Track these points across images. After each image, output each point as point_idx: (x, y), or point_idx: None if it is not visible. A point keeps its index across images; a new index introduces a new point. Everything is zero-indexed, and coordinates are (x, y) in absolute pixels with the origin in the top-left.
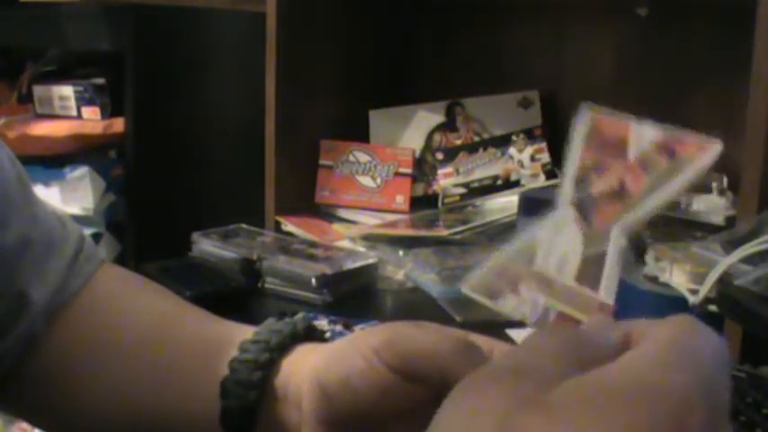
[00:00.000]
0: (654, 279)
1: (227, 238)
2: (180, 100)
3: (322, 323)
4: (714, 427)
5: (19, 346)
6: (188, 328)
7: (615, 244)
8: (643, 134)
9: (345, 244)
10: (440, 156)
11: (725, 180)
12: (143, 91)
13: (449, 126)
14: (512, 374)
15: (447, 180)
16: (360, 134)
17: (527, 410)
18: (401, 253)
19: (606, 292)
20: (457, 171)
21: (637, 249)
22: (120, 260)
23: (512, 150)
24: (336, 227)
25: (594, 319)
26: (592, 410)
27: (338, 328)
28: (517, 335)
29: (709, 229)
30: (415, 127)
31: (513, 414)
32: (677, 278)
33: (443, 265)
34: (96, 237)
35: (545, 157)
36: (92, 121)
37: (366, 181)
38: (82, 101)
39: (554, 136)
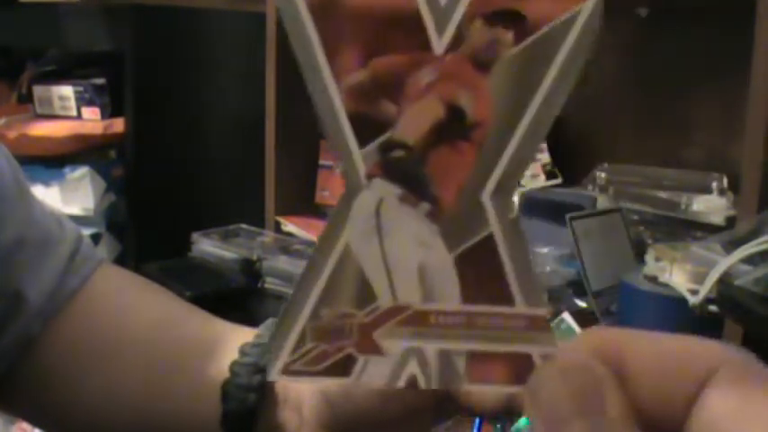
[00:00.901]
0: (654, 279)
1: (227, 238)
2: (180, 100)
3: None
4: None
5: (15, 345)
6: (188, 329)
7: (498, 221)
8: None
9: None
10: None
11: (725, 180)
12: (143, 91)
13: None
14: None
15: None
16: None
17: None
18: None
19: (524, 297)
20: None
21: (637, 249)
22: (121, 260)
23: None
24: None
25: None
26: None
27: None
28: None
29: (709, 230)
30: None
31: None
32: (677, 278)
33: None
34: (96, 237)
35: (545, 156)
36: (92, 121)
37: None
38: (82, 101)
39: (554, 136)
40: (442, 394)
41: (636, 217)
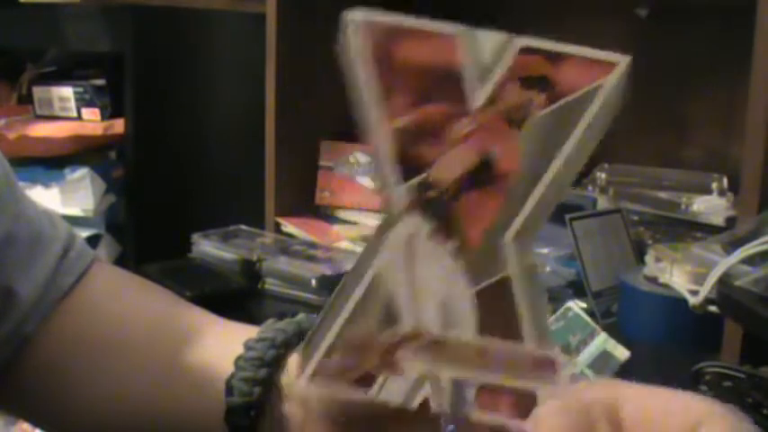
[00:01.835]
0: (654, 280)
1: (227, 239)
2: (180, 101)
3: None
4: None
5: (8, 342)
6: (188, 326)
7: (517, 264)
8: (481, 48)
9: (345, 245)
10: None
11: (725, 180)
12: (143, 91)
13: None
14: None
15: None
16: (360, 135)
17: None
18: None
19: (535, 338)
20: None
21: (637, 250)
22: (121, 261)
23: None
24: (336, 228)
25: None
26: None
27: None
28: None
29: (709, 230)
30: None
31: None
32: (677, 279)
33: None
34: (96, 238)
35: None
36: (92, 122)
37: (366, 182)
38: (82, 102)
39: None
40: None
41: (636, 217)
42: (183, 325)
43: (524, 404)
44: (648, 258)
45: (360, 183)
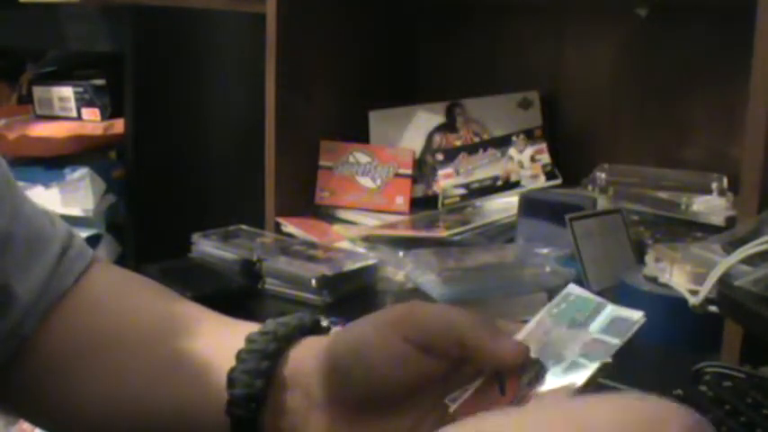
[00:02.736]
0: (654, 280)
1: (227, 239)
2: (180, 100)
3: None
4: None
5: (6, 341)
6: (189, 323)
7: None
8: None
9: (345, 245)
10: (440, 156)
11: (725, 180)
12: (143, 91)
13: (449, 127)
14: None
15: (447, 181)
16: (360, 135)
17: None
18: (401, 254)
19: None
20: (457, 172)
21: (637, 250)
22: (121, 261)
23: (512, 151)
24: (336, 228)
25: None
26: None
27: (338, 329)
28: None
29: (709, 230)
30: (415, 127)
31: None
32: (677, 279)
33: (443, 266)
34: (96, 238)
35: (545, 157)
36: (92, 122)
37: (366, 182)
38: (82, 102)
39: (554, 136)
40: (459, 354)
41: (636, 217)
42: (182, 321)
43: None
44: (648, 258)
45: (360, 183)
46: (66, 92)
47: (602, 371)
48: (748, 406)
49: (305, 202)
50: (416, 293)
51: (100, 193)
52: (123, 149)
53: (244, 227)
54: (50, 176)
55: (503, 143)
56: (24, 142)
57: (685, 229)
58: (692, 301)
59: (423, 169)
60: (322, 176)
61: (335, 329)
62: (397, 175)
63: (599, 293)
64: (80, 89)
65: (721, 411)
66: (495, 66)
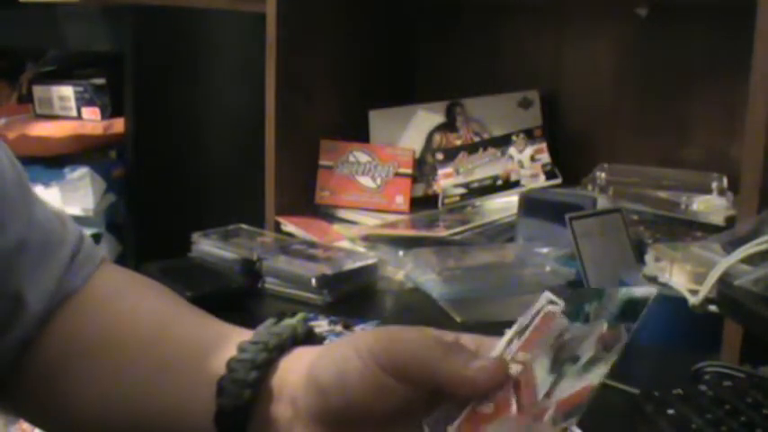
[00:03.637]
0: (654, 279)
1: (227, 238)
2: (180, 100)
3: (322, 324)
4: None
5: (16, 347)
6: (186, 328)
7: None
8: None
9: (345, 244)
10: (440, 156)
11: (725, 180)
12: (143, 91)
13: (449, 126)
14: None
15: (447, 180)
16: (360, 134)
17: None
18: (401, 253)
19: None
20: (457, 171)
21: (637, 249)
22: (121, 261)
23: (512, 150)
24: (336, 227)
25: None
26: None
27: (338, 328)
28: None
29: (709, 230)
30: (415, 127)
31: None
32: (677, 278)
33: (443, 265)
34: (96, 237)
35: (545, 157)
36: (92, 121)
37: (366, 181)
38: (82, 101)
39: (554, 136)
40: (433, 386)
41: (636, 217)
42: (183, 327)
43: None
44: (648, 258)
45: (359, 182)
46: (67, 91)
47: (621, 354)
48: (748, 406)
49: (305, 202)
50: (416, 293)
51: (100, 193)
52: (123, 149)
53: (244, 226)
54: (50, 176)
55: (503, 143)
56: (24, 142)
57: (685, 229)
58: (692, 300)
59: (423, 169)
60: (322, 176)
61: (328, 340)
62: (397, 174)
63: None
64: (80, 89)
65: (721, 411)
66: (494, 65)
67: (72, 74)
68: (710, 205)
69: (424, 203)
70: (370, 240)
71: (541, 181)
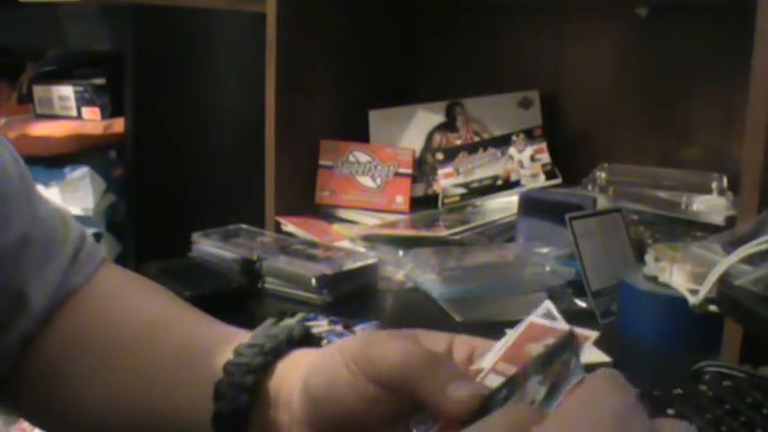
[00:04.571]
0: (654, 279)
1: (227, 238)
2: (180, 100)
3: (322, 324)
4: None
5: (17, 345)
6: (185, 329)
7: None
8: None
9: (345, 244)
10: (440, 156)
11: (725, 180)
12: (143, 91)
13: (449, 126)
14: None
15: (447, 180)
16: (360, 134)
17: None
18: (401, 253)
19: None
20: (457, 171)
21: (637, 249)
22: (121, 260)
23: (512, 150)
24: (336, 227)
25: None
26: None
27: (338, 328)
28: None
29: (709, 229)
30: (415, 127)
31: None
32: (677, 278)
33: (443, 265)
34: (96, 237)
35: (545, 157)
36: (92, 121)
37: (366, 181)
38: (82, 101)
39: (554, 136)
40: (419, 401)
41: (636, 217)
42: (181, 328)
43: None
44: (648, 258)
45: (359, 182)
46: (67, 91)
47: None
48: (748, 406)
49: (305, 202)
50: (416, 293)
51: (100, 193)
52: (123, 149)
53: (244, 226)
54: (50, 175)
55: (503, 142)
56: (24, 141)
57: (685, 229)
58: (692, 300)
59: (423, 169)
60: (322, 176)
61: (328, 340)
62: (397, 174)
63: (599, 293)
64: (80, 88)
65: (721, 411)
66: (494, 65)
67: (72, 74)
68: (710, 205)
69: (424, 203)
70: (370, 240)
71: (541, 181)
